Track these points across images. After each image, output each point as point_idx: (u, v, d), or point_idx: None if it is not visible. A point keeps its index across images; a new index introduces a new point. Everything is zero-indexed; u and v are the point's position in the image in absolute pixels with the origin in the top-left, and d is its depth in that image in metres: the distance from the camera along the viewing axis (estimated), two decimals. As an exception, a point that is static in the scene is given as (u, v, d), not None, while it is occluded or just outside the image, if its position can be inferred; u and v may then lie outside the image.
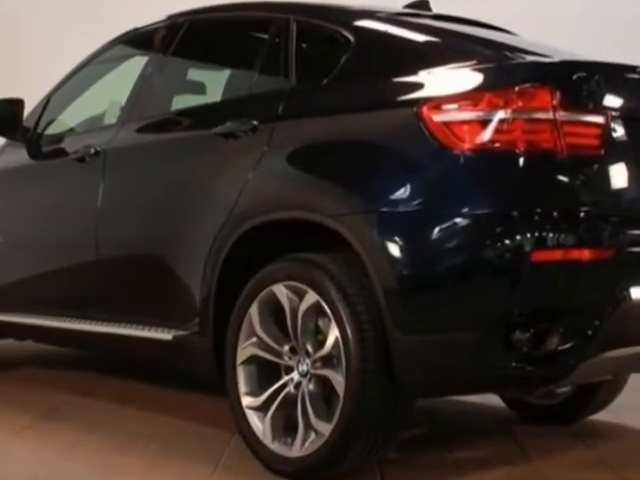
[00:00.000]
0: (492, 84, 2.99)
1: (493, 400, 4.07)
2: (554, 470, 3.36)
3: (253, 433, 3.24)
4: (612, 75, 3.11)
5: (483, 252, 2.86)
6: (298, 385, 3.18)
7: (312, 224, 3.15)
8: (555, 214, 2.87)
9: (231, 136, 3.54)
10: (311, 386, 3.14)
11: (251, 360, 3.29)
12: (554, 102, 2.89)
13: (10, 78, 6.65)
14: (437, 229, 2.89)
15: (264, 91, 3.68)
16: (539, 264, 2.83)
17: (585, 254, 2.85)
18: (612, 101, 3.03)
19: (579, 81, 2.98)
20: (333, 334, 3.03)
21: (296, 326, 3.17)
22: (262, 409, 3.24)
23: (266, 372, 3.26)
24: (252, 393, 3.28)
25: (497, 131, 2.89)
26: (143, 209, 3.88)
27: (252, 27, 3.95)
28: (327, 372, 3.08)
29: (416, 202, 2.93)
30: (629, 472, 3.33)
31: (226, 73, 4.20)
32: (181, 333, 3.59)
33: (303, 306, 3.14)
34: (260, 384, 3.27)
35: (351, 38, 3.39)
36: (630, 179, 3.02)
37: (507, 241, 2.83)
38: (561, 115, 2.90)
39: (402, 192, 2.96)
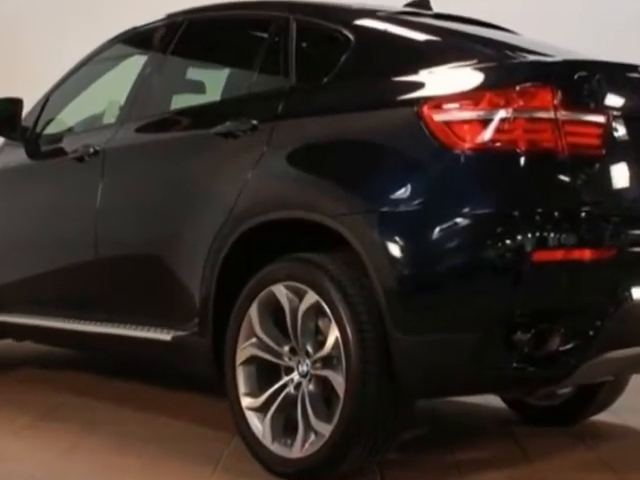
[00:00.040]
0: (493, 83, 2.98)
1: (494, 401, 4.06)
2: (555, 471, 3.36)
3: (253, 434, 3.23)
4: (613, 74, 3.10)
5: (484, 252, 2.85)
6: (298, 386, 3.17)
7: (312, 224, 3.14)
8: (556, 214, 2.86)
9: (230, 136, 3.53)
10: (311, 387, 3.13)
11: (251, 361, 3.28)
12: (555, 101, 2.88)
13: (10, 78, 6.64)
14: (438, 229, 2.88)
15: (264, 90, 3.67)
16: (540, 264, 2.82)
17: (586, 254, 2.85)
18: (613, 100, 3.02)
19: (580, 80, 2.97)
20: (333, 334, 3.02)
21: (296, 326, 3.16)
22: (262, 410, 3.23)
23: (266, 373, 3.25)
24: (252, 394, 3.27)
25: (498, 130, 2.89)
26: (142, 209, 3.87)
27: (252, 26, 3.94)
28: (327, 373, 3.07)
29: (416, 202, 2.93)
30: (631, 473, 3.33)
31: (225, 72, 4.18)
32: (180, 334, 3.58)
33: (303, 306, 3.13)
34: (260, 385, 3.26)
35: (351, 37, 3.39)
36: (631, 179, 3.02)
37: (508, 241, 2.83)
38: (562, 114, 2.89)
39: (402, 192, 2.95)
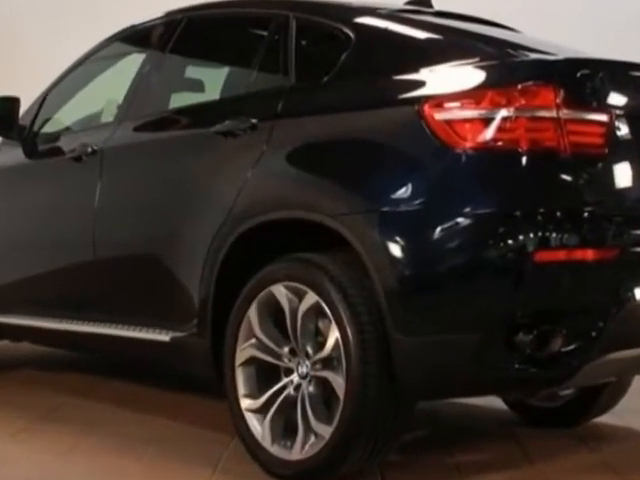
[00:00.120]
0: (494, 82, 2.96)
1: (495, 402, 4.05)
2: (557, 473, 3.35)
3: (252, 436, 3.22)
4: (616, 73, 3.08)
5: (485, 252, 2.84)
6: (298, 387, 3.16)
7: (312, 224, 3.12)
8: (558, 214, 2.85)
9: (230, 135, 3.51)
10: (311, 388, 3.12)
11: (250, 362, 3.26)
12: (557, 100, 2.87)
13: (7, 76, 6.64)
14: (439, 229, 2.87)
15: (263, 89, 3.66)
16: (542, 264, 2.81)
17: (589, 254, 2.83)
18: (616, 99, 3.01)
19: (583, 79, 2.96)
20: (333, 335, 3.01)
21: (296, 327, 3.14)
22: (261, 411, 3.21)
23: (265, 374, 3.24)
24: (251, 395, 3.25)
25: (500, 129, 2.87)
26: (141, 209, 3.86)
27: (251, 24, 3.94)
28: (327, 374, 3.06)
29: (417, 202, 2.91)
30: (633, 475, 3.32)
31: (225, 71, 4.18)
32: (179, 334, 3.57)
33: (303, 307, 3.12)
34: (259, 386, 3.25)
35: (351, 35, 3.37)
36: (634, 178, 3.00)
37: (510, 241, 2.81)
38: (564, 113, 2.87)
39: (403, 191, 2.94)
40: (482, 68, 3.01)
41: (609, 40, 5.78)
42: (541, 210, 2.83)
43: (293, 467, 3.11)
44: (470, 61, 3.06)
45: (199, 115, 3.87)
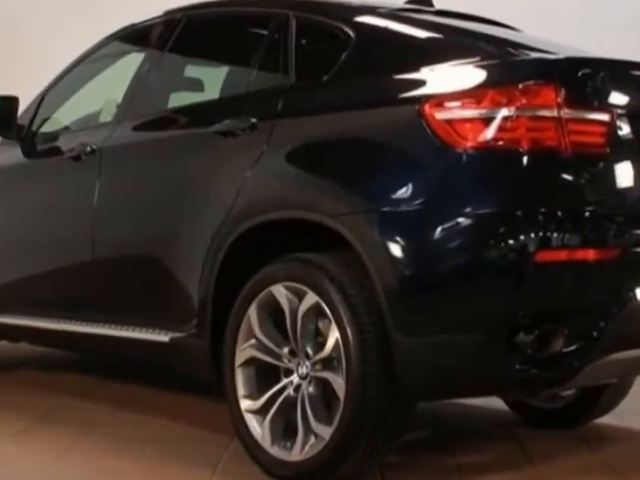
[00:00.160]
0: (495, 81, 2.95)
1: (496, 403, 4.04)
2: (558, 474, 3.34)
3: (252, 437, 3.21)
4: (617, 72, 3.08)
5: (486, 252, 2.83)
6: (298, 388, 3.15)
7: (311, 224, 3.11)
8: (559, 213, 2.84)
9: (229, 134, 3.50)
10: (311, 389, 3.11)
11: (250, 362, 3.25)
12: (558, 99, 2.86)
13: (6, 76, 6.63)
14: (439, 229, 2.86)
15: (263, 88, 3.65)
16: (543, 264, 2.80)
17: (590, 254, 2.83)
18: (617, 98, 3.00)
19: (584, 78, 2.95)
20: (333, 336, 3.00)
21: (295, 328, 3.13)
22: (261, 412, 3.20)
23: (265, 375, 3.23)
24: (251, 396, 3.24)
25: (500, 129, 2.86)
26: (140, 209, 3.85)
27: (251, 23, 3.93)
28: (327, 375, 3.05)
29: (418, 201, 2.90)
30: (634, 476, 3.31)
31: (224, 70, 4.16)
32: (178, 335, 3.56)
33: (303, 307, 3.10)
34: (259, 387, 3.24)
35: (352, 34, 3.36)
36: (636, 178, 3.00)
37: (511, 241, 2.81)
38: (566, 113, 2.87)
39: (404, 191, 2.93)
40: (483, 67, 3.00)
41: (610, 39, 5.77)
42: (542, 210, 2.83)
43: (293, 468, 3.10)
44: (471, 60, 3.05)
45: (198, 114, 3.86)
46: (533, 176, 2.87)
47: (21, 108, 4.53)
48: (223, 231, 3.37)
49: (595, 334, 2.83)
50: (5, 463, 3.48)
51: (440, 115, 2.92)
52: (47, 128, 4.55)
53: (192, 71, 4.38)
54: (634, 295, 2.86)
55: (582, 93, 2.92)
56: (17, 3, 7.39)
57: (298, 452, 3.09)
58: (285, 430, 3.16)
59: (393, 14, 3.53)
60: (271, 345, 3.20)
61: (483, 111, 2.88)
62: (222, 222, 3.38)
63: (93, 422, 3.97)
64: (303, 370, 3.13)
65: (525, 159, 2.85)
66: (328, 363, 3.05)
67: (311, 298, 3.06)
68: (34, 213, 4.37)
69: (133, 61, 4.26)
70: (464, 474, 3.30)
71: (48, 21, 7.22)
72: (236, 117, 3.49)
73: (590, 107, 2.92)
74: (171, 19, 4.15)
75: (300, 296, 3.11)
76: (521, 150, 2.84)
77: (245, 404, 3.24)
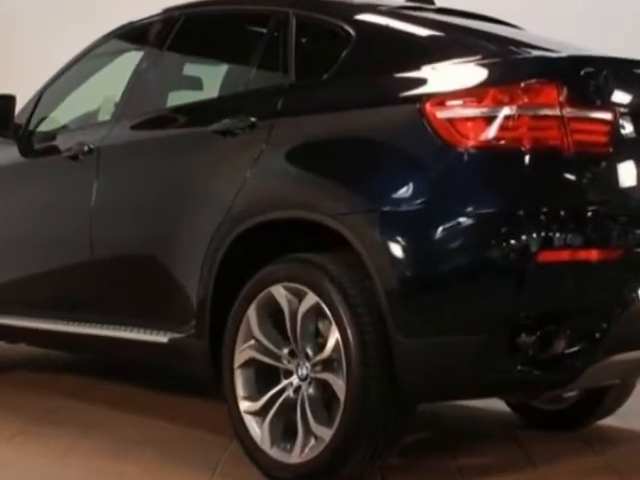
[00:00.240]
0: (497, 80, 2.94)
1: (498, 405, 4.03)
2: (560, 476, 3.34)
3: (251, 438, 3.19)
4: (620, 70, 3.07)
5: (488, 253, 2.82)
6: (297, 389, 3.13)
7: (311, 224, 3.09)
8: (562, 213, 2.83)
9: (229, 133, 3.49)
10: (311, 390, 3.09)
11: (249, 363, 3.24)
12: (561, 98, 2.85)
13: (3, 75, 6.62)
14: (440, 229, 2.85)
15: (263, 87, 3.64)
16: (545, 265, 2.79)
17: (593, 254, 2.82)
18: (620, 97, 3.00)
19: (586, 76, 2.94)
20: (333, 337, 2.98)
21: (295, 328, 3.12)
22: (260, 414, 3.19)
23: (264, 376, 3.21)
24: (250, 397, 3.23)
25: (502, 128, 2.85)
26: (138, 208, 3.83)
27: (250, 21, 3.92)
28: (327, 376, 3.04)
29: (419, 201, 2.89)
30: (637, 478, 3.32)
31: (223, 68, 4.16)
32: (177, 336, 3.54)
33: (302, 308, 3.09)
34: (258, 388, 3.23)
35: (352, 32, 3.35)
36: (639, 177, 2.98)
37: (512, 241, 2.79)
38: (568, 111, 2.86)
39: (404, 191, 2.91)
40: (484, 66, 2.99)
41: (613, 37, 5.77)
42: (544, 210, 2.82)
43: (292, 470, 3.08)
44: (472, 59, 3.04)
45: (197, 113, 3.85)
46: (535, 175, 2.86)
47: (18, 107, 4.51)
48: (222, 231, 3.35)
49: (598, 335, 2.82)
50: (2, 465, 3.47)
51: (441, 114, 2.91)
52: (44, 127, 4.53)
53: (191, 69, 4.37)
54: (637, 296, 2.86)
55: (585, 92, 2.91)
56: (17, 3, 7.39)
57: (298, 454, 3.07)
58: (285, 432, 3.15)
59: (394, 12, 3.52)
60: (271, 346, 3.18)
61: (485, 110, 2.87)
62: (221, 222, 3.36)
63: (91, 424, 3.96)
64: (303, 371, 3.11)
65: (527, 158, 2.83)
66: (328, 364, 3.04)
67: (311, 298, 3.05)
68: (31, 213, 4.36)
69: (131, 59, 4.25)
70: (465, 476, 3.29)
71: (47, 21, 7.23)
72: (235, 116, 3.48)
73: (593, 106, 2.91)
74: (170, 17, 4.14)
75: (300, 296, 3.10)
76: (523, 149, 2.83)
77: (244, 405, 3.22)
